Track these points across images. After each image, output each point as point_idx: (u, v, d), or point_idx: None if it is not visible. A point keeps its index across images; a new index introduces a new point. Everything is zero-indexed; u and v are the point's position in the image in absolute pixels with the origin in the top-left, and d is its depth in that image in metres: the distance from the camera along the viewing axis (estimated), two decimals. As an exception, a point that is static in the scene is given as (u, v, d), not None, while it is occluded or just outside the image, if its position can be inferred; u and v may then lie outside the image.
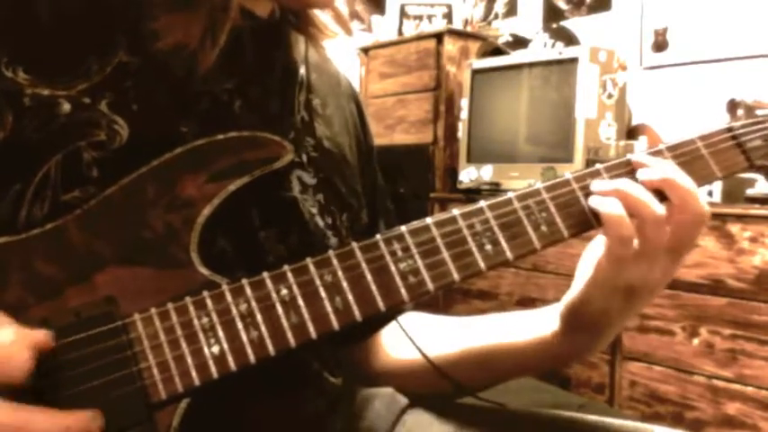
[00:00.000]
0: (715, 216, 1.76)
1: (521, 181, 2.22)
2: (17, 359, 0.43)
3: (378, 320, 0.74)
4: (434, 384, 0.68)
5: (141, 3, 0.57)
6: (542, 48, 2.44)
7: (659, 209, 0.54)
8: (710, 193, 1.85)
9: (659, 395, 1.85)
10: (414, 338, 0.68)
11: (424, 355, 0.67)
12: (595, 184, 0.56)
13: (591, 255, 0.59)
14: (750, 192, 1.77)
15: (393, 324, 0.74)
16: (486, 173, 2.39)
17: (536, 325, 0.65)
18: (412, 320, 0.74)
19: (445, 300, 2.42)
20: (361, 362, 0.75)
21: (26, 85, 0.53)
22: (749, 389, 1.69)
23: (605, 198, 0.55)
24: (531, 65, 2.32)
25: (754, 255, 1.69)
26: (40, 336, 0.45)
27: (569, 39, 2.45)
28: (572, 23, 2.60)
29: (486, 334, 0.68)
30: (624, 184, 0.55)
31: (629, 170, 0.57)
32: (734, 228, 1.73)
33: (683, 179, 0.55)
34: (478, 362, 0.68)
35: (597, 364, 1.99)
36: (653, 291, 0.58)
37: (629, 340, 1.92)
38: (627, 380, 1.93)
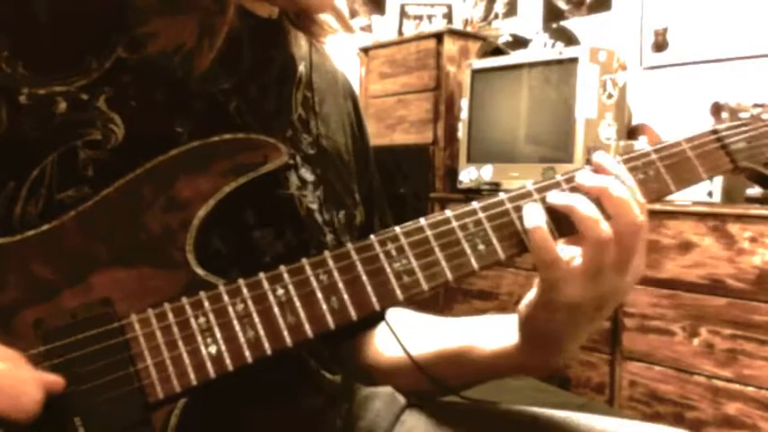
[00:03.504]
0: (715, 216, 1.76)
1: (521, 181, 2.20)
2: (30, 397, 0.44)
3: (371, 317, 0.74)
4: (419, 383, 0.68)
5: (131, 7, 0.57)
6: (542, 48, 2.44)
7: (605, 227, 0.52)
8: (710, 194, 1.85)
9: (659, 395, 1.85)
10: (399, 336, 0.67)
11: (405, 351, 0.67)
12: (552, 196, 0.55)
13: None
14: (750, 192, 1.77)
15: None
16: (486, 173, 2.39)
17: (501, 335, 0.64)
18: (405, 318, 0.74)
19: (446, 300, 2.42)
20: (354, 358, 0.75)
21: (24, 82, 0.53)
22: (749, 389, 1.69)
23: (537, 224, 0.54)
24: (531, 65, 2.32)
25: (754, 255, 1.69)
26: (54, 379, 0.46)
27: (569, 39, 2.45)
28: (572, 23, 2.60)
29: (460, 336, 0.68)
30: (576, 200, 0.54)
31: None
32: (734, 228, 1.72)
33: (618, 189, 0.53)
34: (453, 362, 0.67)
35: (597, 364, 1.99)
36: (603, 306, 0.56)
37: (629, 340, 1.92)
38: (627, 380, 1.93)
